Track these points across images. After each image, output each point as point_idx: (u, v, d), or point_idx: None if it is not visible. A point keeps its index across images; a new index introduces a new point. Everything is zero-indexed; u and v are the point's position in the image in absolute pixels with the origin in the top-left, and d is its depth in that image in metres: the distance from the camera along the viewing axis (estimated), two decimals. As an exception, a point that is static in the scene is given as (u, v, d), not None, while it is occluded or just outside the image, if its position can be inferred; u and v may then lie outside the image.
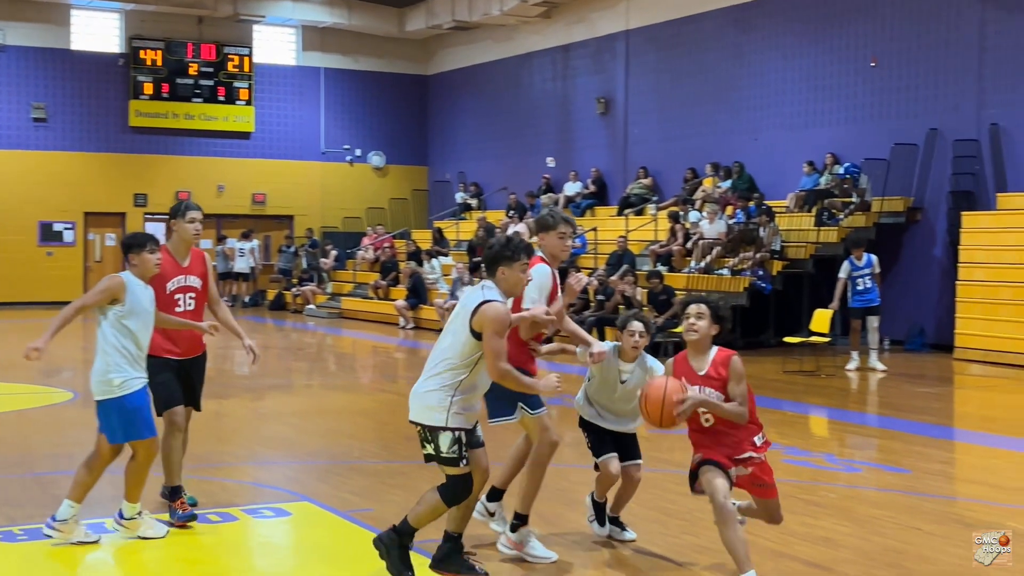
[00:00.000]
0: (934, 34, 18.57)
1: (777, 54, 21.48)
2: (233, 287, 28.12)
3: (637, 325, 6.46)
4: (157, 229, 29.55)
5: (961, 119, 18.04)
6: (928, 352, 17.86)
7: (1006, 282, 16.40)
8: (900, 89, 19.15)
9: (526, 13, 26.67)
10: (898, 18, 19.15)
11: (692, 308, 5.87)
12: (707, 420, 5.78)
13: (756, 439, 5.81)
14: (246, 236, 28.22)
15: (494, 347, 5.52)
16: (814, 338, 15.39)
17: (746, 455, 5.75)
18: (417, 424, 5.69)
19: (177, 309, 6.93)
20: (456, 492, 5.69)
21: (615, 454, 6.52)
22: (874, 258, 15.52)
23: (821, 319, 15.28)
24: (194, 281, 7.05)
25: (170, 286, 6.92)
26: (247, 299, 28.14)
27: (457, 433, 5.59)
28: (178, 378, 6.97)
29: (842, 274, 15.51)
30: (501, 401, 6.19)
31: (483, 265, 5.74)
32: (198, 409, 7.28)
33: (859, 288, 15.44)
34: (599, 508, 6.73)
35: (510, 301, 5.79)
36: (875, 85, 19.58)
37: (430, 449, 5.65)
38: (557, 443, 6.34)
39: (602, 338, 17.03)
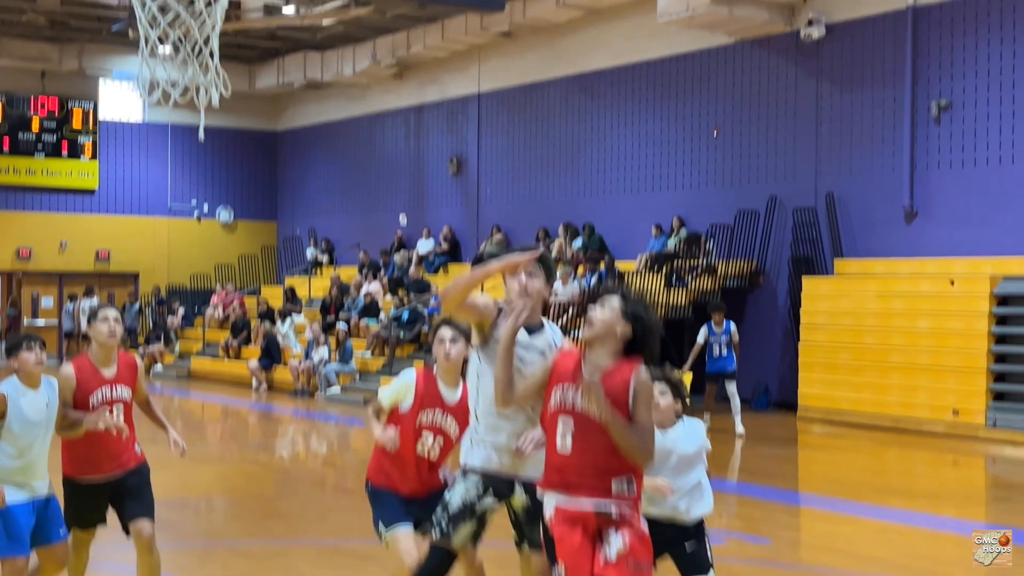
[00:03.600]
0: (773, 107, 19.55)
1: (622, 121, 22.25)
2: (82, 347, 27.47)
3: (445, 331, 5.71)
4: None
5: (799, 187, 19.02)
6: (773, 411, 18.65)
7: (844, 344, 17.29)
8: (742, 157, 20.07)
9: (379, 74, 26.93)
10: (739, 91, 20.09)
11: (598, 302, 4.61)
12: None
13: (619, 484, 4.38)
14: (88, 294, 27.58)
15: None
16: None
17: (611, 507, 4.37)
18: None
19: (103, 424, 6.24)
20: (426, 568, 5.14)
21: None
22: (733, 325, 15.91)
23: (678, 382, 15.74)
24: (123, 392, 6.35)
25: (94, 399, 6.25)
26: (91, 359, 27.40)
27: (470, 482, 5.06)
28: (98, 502, 6.36)
29: (700, 338, 15.91)
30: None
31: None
32: (148, 517, 6.37)
33: (714, 354, 15.80)
34: None
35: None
36: (718, 153, 20.47)
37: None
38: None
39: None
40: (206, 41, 3.86)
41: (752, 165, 19.90)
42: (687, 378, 15.74)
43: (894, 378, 16.64)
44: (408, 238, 26.89)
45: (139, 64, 3.82)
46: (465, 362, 5.38)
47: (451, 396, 5.77)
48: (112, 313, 6.38)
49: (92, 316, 6.44)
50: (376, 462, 5.86)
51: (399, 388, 5.80)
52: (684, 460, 5.39)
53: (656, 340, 4.40)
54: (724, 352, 15.75)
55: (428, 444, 5.72)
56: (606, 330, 4.42)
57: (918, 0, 17.33)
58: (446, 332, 5.63)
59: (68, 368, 6.33)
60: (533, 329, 5.07)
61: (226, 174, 31.00)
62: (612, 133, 22.47)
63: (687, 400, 5.29)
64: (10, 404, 5.96)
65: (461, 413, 5.66)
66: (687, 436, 5.43)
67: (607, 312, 4.43)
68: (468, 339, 5.49)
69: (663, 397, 5.28)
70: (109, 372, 6.36)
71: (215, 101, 4.15)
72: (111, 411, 6.26)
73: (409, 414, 5.71)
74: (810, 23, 18.47)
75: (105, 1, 23.46)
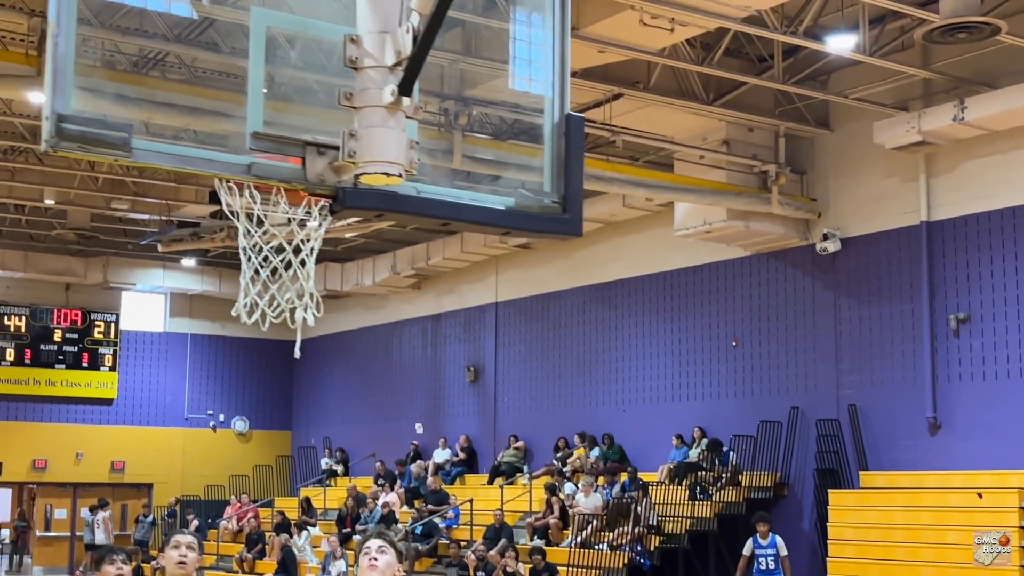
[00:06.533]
0: (791, 318, 19.76)
1: (640, 330, 22.46)
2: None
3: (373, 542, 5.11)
4: (4, 495, 28.58)
5: (821, 399, 19.04)
6: (803, 628, 18.19)
7: (874, 559, 16.96)
8: (762, 368, 20.16)
9: (397, 284, 27.40)
10: (757, 302, 20.35)
11: None
12: None
13: None
14: (102, 506, 27.32)
15: None
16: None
17: None
18: None
19: None
20: None
21: None
22: (779, 540, 15.47)
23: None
24: None
25: None
26: (101, 572, 26.92)
27: None
28: None
29: (745, 551, 15.57)
30: None
31: None
32: None
33: (761, 568, 15.38)
34: None
35: None
36: (738, 363, 20.58)
37: None
38: None
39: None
40: (302, 263, 4.12)
41: (772, 376, 19.98)
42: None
43: (927, 594, 16.29)
44: (424, 447, 26.78)
45: (241, 289, 4.04)
46: None
47: None
48: (185, 539, 5.78)
49: (165, 543, 5.98)
50: None
51: None
52: None
53: None
54: (771, 566, 15.32)
55: None
56: None
57: (932, 215, 17.74)
58: (373, 543, 4.96)
59: None
60: None
61: (242, 383, 31.14)
62: (630, 342, 22.65)
63: None
64: None
65: None
66: None
67: None
68: (400, 554, 4.99)
69: None
70: None
71: (311, 320, 4.35)
72: None
73: None
74: (825, 237, 18.87)
75: (133, 215, 24.09)
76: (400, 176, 3.80)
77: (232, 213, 4.05)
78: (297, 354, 5.21)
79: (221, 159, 3.77)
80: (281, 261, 4.40)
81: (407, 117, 3.84)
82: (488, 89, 15.45)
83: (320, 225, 4.15)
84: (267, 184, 3.91)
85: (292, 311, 4.50)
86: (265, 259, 4.37)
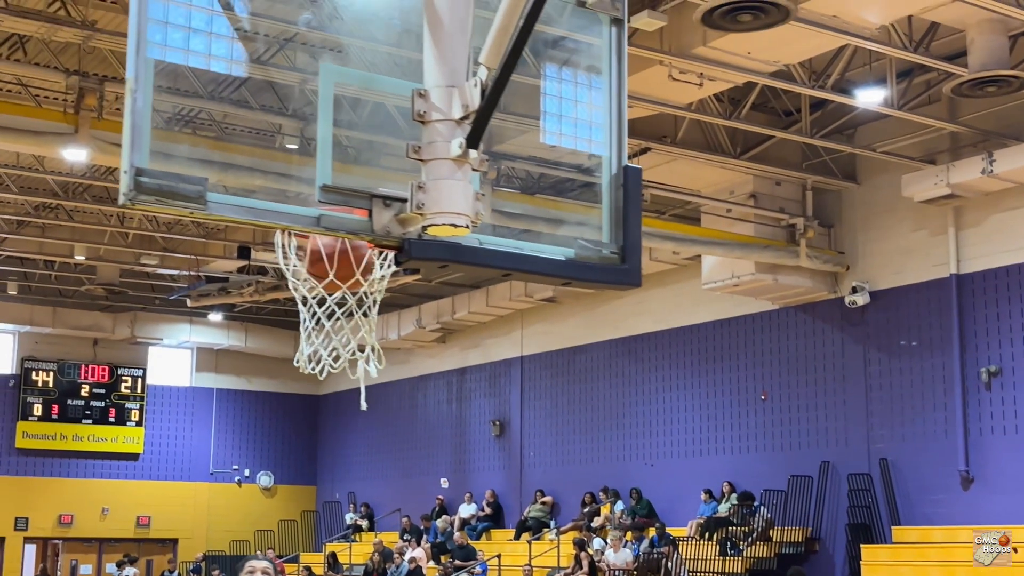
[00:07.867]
0: (821, 371, 19.68)
1: (667, 384, 22.40)
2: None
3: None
4: (29, 551, 28.52)
5: (852, 453, 18.92)
6: None
7: (909, 615, 16.81)
8: (792, 422, 20.05)
9: (422, 338, 27.44)
10: (785, 355, 20.29)
11: None
12: None
13: None
14: (131, 561, 27.26)
15: None
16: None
17: None
18: None
19: None
20: None
21: None
22: None
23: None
24: None
25: None
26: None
27: None
28: None
29: (777, 610, 15.57)
30: None
31: None
32: None
33: None
34: None
35: None
36: (767, 417, 20.48)
37: None
38: None
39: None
40: (364, 314, 4.25)
41: (802, 430, 19.87)
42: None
43: (964, 651, 16.06)
44: (449, 502, 26.68)
45: (303, 339, 4.15)
46: None
47: None
48: (260, 564, 5.50)
49: (238, 569, 5.70)
50: None
51: None
52: None
53: None
54: None
55: None
56: None
57: (961, 268, 17.71)
58: None
59: None
60: None
61: (268, 438, 31.17)
62: (657, 396, 22.59)
63: None
64: None
65: None
66: None
67: None
68: None
69: None
70: None
71: (373, 372, 4.44)
72: None
73: None
74: (854, 290, 18.85)
75: (162, 271, 24.26)
76: (467, 227, 3.86)
77: (288, 269, 4.11)
78: (363, 405, 5.26)
79: (292, 211, 3.83)
80: (343, 313, 4.46)
81: (473, 169, 3.91)
82: (519, 144, 15.55)
83: (383, 276, 4.20)
84: (335, 235, 3.96)
85: (352, 362, 4.56)
86: (329, 313, 4.42)
